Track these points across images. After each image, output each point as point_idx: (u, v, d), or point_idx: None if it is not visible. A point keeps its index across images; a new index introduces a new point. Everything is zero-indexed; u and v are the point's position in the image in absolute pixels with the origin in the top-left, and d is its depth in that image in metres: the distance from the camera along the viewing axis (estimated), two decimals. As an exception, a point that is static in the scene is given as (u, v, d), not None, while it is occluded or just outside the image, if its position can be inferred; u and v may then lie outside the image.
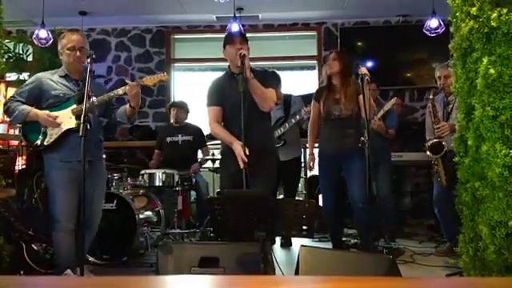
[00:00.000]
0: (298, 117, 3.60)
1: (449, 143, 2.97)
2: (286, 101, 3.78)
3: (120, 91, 2.60)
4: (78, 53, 2.67)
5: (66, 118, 2.63)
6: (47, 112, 2.63)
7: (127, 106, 2.69)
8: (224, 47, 2.64)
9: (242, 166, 2.38)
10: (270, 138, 2.82)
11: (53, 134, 2.63)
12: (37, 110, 2.63)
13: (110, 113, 2.83)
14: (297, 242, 3.69)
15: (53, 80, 2.71)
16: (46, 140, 2.63)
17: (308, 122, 3.68)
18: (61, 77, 2.73)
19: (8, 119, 2.75)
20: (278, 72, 2.78)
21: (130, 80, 2.78)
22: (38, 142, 2.64)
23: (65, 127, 2.62)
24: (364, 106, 2.63)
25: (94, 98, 2.58)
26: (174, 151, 4.15)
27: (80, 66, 2.72)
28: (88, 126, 2.27)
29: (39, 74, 2.76)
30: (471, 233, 2.15)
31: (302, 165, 4.23)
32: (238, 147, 2.44)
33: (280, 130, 3.66)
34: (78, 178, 2.36)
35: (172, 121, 4.28)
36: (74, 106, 2.63)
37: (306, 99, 3.84)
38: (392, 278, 1.48)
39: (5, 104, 2.66)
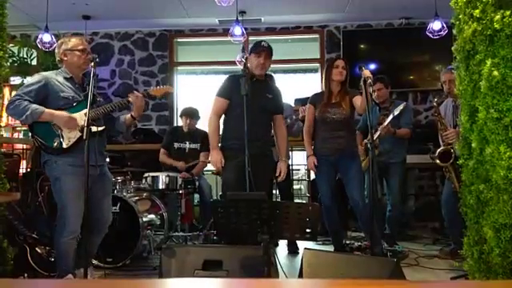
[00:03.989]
0: (288, 120, 3.70)
1: None
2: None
3: (125, 101, 2.69)
4: (89, 55, 2.65)
5: (80, 122, 2.54)
6: (66, 113, 2.54)
7: (128, 115, 2.75)
8: (250, 53, 2.96)
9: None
10: (269, 141, 3.03)
11: (71, 138, 2.55)
12: (52, 110, 2.52)
13: (111, 123, 2.83)
14: (300, 246, 3.68)
15: (59, 81, 2.63)
16: (65, 143, 2.54)
17: (297, 124, 3.85)
18: (66, 79, 2.66)
19: (17, 118, 2.58)
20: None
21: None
22: (55, 144, 2.54)
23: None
24: (368, 110, 2.64)
25: (107, 105, 2.64)
26: (179, 158, 4.14)
27: (84, 70, 2.72)
28: (103, 129, 2.46)
29: (45, 74, 2.66)
30: (476, 235, 2.14)
31: (291, 167, 4.35)
32: (214, 157, 2.84)
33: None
34: (88, 183, 2.33)
35: (184, 129, 4.25)
36: (85, 111, 2.48)
37: (303, 102, 4.01)
38: (396, 282, 1.48)
39: (12, 102, 2.51)
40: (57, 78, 2.65)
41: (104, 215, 2.75)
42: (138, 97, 2.68)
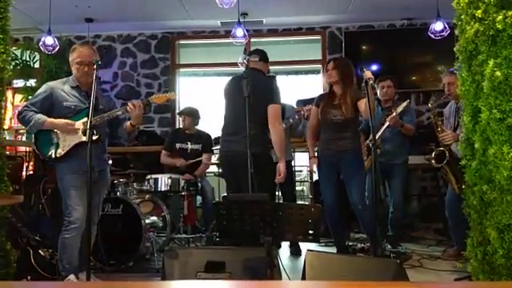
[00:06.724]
0: (291, 120, 3.71)
1: (459, 151, 2.96)
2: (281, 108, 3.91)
3: (120, 111, 2.70)
4: (85, 68, 2.69)
5: (80, 127, 2.64)
6: (65, 120, 2.66)
7: (128, 123, 2.79)
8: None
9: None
10: None
11: (65, 146, 2.66)
12: (53, 119, 2.66)
13: (115, 127, 2.90)
14: (303, 247, 3.67)
15: (64, 91, 2.73)
16: (58, 152, 2.67)
17: (303, 123, 3.83)
18: (72, 88, 2.76)
19: (24, 128, 2.83)
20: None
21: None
22: (50, 153, 2.67)
23: (77, 140, 2.64)
24: (370, 111, 2.63)
25: (104, 114, 2.67)
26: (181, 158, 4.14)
27: (89, 79, 2.68)
28: (98, 137, 2.47)
29: (50, 84, 2.77)
30: (479, 236, 2.13)
31: (293, 169, 4.32)
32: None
33: None
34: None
35: (182, 128, 4.28)
36: (86, 119, 2.55)
37: (305, 103, 4.00)
38: (399, 283, 1.47)
39: (20, 113, 2.69)
40: (63, 87, 2.76)
41: (97, 216, 2.85)
42: (136, 106, 2.66)
